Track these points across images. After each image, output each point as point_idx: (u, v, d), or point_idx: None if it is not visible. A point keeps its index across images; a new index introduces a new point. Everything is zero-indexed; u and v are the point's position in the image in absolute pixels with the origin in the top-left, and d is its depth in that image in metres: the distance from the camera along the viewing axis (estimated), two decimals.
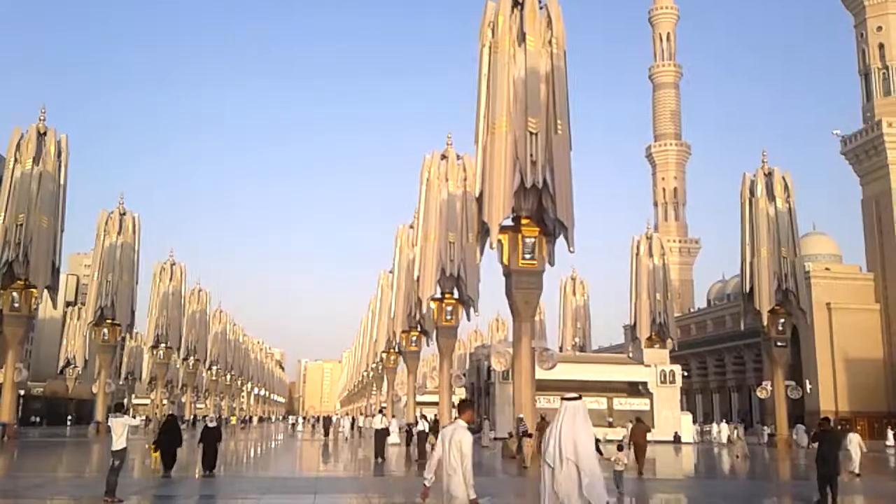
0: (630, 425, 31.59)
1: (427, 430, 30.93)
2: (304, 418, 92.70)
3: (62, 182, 45.90)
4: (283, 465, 31.16)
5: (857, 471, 24.98)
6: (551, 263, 30.68)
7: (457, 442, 8.31)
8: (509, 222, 30.34)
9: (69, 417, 69.09)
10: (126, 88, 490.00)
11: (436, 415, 35.41)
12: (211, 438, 21.88)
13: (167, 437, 21.32)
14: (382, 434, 29.42)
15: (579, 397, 8.14)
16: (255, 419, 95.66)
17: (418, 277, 49.86)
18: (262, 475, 25.32)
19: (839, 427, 47.69)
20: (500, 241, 30.37)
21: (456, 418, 8.80)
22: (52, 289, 45.48)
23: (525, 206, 30.14)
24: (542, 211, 30.00)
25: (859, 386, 67.92)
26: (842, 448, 17.79)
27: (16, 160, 44.64)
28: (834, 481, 16.33)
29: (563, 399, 8.14)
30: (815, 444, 17.70)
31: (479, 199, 31.00)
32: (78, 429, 60.31)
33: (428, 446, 31.80)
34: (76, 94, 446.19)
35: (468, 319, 49.83)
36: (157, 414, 72.43)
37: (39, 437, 47.96)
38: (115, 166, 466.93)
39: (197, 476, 21.87)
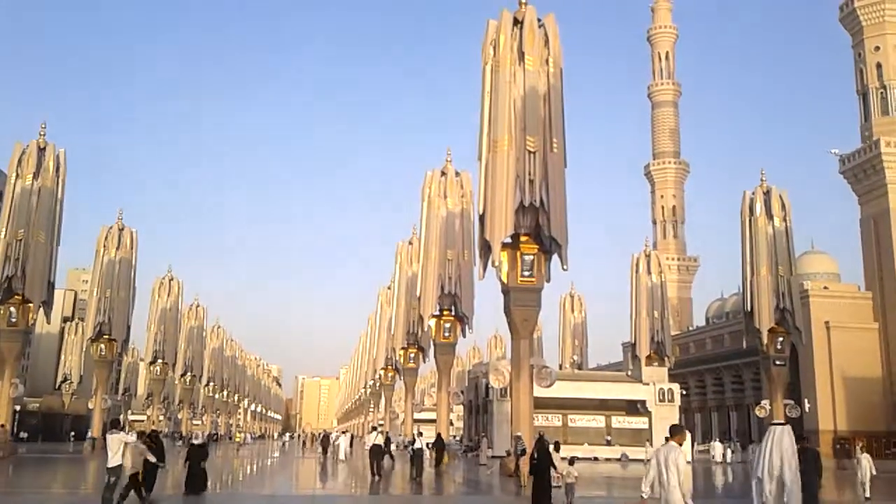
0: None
1: (423, 447, 30.85)
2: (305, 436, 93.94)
3: (59, 197, 45.84)
4: (278, 483, 30.99)
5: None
6: (547, 280, 30.71)
7: (673, 460, 9.74)
8: (508, 240, 30.38)
9: (71, 433, 68.57)
10: (128, 101, 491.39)
11: (413, 434, 35.01)
12: (197, 457, 20.51)
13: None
14: (378, 451, 29.24)
15: (786, 423, 10.55)
16: (236, 436, 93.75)
17: (420, 296, 49.90)
18: (257, 493, 25.16)
19: (842, 445, 47.53)
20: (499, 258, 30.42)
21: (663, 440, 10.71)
22: (47, 304, 45.40)
23: (524, 223, 30.21)
24: (539, 228, 30.07)
25: (858, 405, 67.74)
26: (819, 466, 17.28)
27: (17, 175, 44.75)
28: (812, 501, 15.84)
29: (770, 424, 10.69)
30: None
31: (482, 217, 31.05)
32: (77, 445, 59.77)
33: (425, 462, 31.74)
34: (78, 108, 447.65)
35: (464, 336, 49.85)
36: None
37: (35, 454, 47.55)
38: (114, 181, 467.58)
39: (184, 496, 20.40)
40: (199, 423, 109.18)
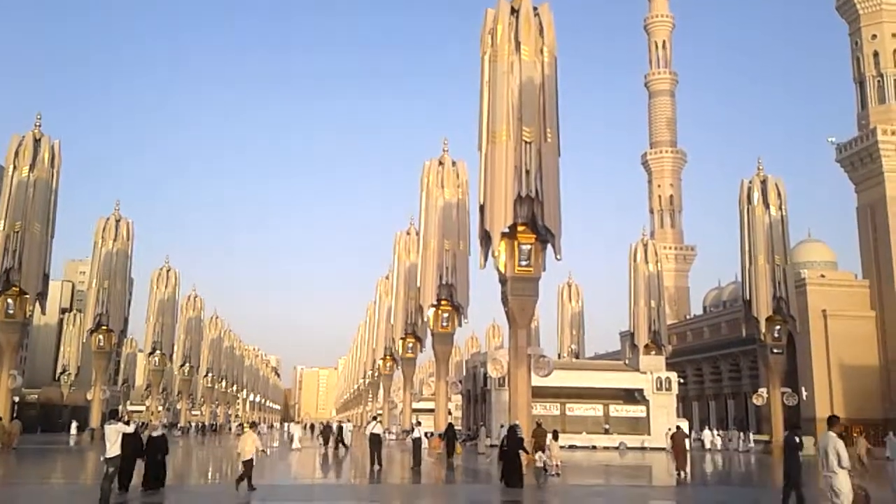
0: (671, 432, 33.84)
1: (421, 436, 30.94)
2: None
3: (54, 188, 45.91)
4: (278, 473, 31.06)
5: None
6: (543, 269, 30.75)
7: (832, 448, 11.20)
8: (505, 229, 30.37)
9: (75, 424, 68.46)
10: (126, 93, 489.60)
11: (412, 421, 35.32)
12: (154, 450, 19.06)
13: (128, 449, 17.56)
14: (377, 440, 29.29)
15: None
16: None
17: (419, 286, 49.96)
18: (256, 483, 25.21)
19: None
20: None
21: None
22: (42, 295, 45.50)
23: (521, 213, 30.20)
24: (535, 218, 30.08)
25: (855, 392, 67.98)
26: (800, 453, 16.75)
27: (14, 168, 44.73)
28: (791, 488, 15.32)
29: None
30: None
31: (482, 208, 31.03)
32: (78, 436, 59.60)
33: (423, 452, 31.85)
34: (77, 98, 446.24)
35: (459, 325, 49.92)
36: (150, 420, 72.03)
37: (33, 445, 47.60)
38: (111, 172, 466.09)
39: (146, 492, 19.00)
40: (199, 413, 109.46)
